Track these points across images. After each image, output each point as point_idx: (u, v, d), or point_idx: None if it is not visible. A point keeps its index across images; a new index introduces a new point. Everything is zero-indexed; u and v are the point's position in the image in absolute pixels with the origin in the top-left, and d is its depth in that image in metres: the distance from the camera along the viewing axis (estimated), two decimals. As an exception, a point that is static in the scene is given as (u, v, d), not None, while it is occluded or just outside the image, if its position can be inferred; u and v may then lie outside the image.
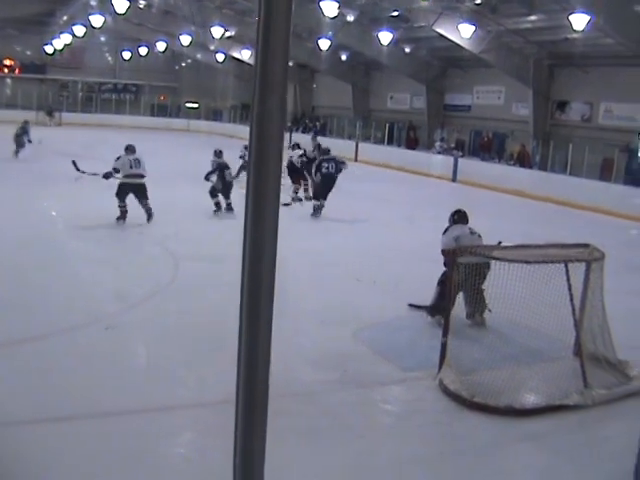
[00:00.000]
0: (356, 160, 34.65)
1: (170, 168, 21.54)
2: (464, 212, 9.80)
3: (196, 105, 56.03)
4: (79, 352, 7.75)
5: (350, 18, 30.59)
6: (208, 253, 12.74)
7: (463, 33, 25.58)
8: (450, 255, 8.12)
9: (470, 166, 28.04)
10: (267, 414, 2.08)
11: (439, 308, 8.80)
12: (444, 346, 7.54)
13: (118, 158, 15.16)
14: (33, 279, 10.66)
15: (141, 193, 15.12)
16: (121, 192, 15.06)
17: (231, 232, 14.94)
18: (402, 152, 33.71)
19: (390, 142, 37.05)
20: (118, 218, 15.13)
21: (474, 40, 26.73)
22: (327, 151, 18.38)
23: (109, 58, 53.67)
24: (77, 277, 11.05)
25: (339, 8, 25.99)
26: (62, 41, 45.37)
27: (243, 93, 52.72)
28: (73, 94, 54.41)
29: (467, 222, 9.69)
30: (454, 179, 27.80)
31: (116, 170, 14.99)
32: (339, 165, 17.63)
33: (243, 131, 39.85)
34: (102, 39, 47.74)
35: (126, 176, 15.02)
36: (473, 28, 25.28)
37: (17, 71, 51.78)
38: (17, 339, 7.92)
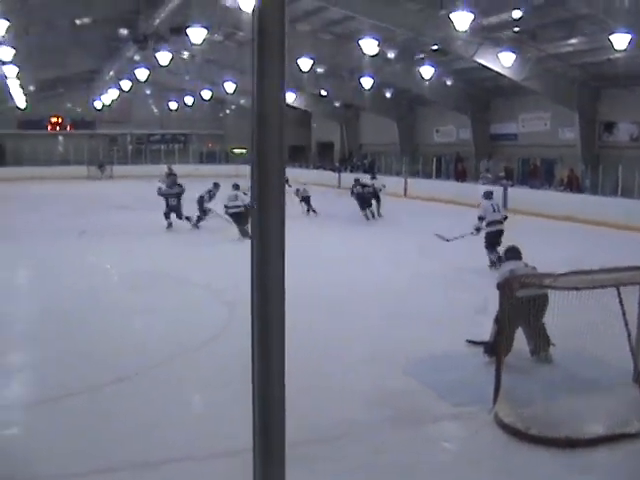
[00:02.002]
0: (405, 195, 34.58)
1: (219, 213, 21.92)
2: (517, 248, 9.64)
3: (243, 150, 56.55)
4: (129, 401, 7.76)
5: (391, 55, 30.75)
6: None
7: (504, 62, 25.45)
8: (504, 287, 7.88)
9: (519, 194, 27.69)
10: (285, 458, 2.04)
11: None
12: (498, 379, 7.37)
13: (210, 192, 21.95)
14: (88, 328, 10.77)
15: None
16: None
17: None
18: (450, 185, 33.54)
19: (438, 175, 36.96)
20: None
21: (516, 68, 26.59)
22: (363, 181, 25.44)
23: (156, 109, 54.55)
24: (129, 326, 11.14)
25: (379, 46, 26.13)
26: (110, 96, 46.35)
27: (289, 136, 52.71)
28: (123, 147, 55.52)
29: (520, 258, 9.49)
30: (505, 208, 27.46)
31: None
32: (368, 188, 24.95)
33: (289, 173, 40.17)
34: (148, 91, 48.67)
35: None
36: (514, 56, 25.14)
37: (68, 128, 53.16)
38: (70, 389, 8.00)
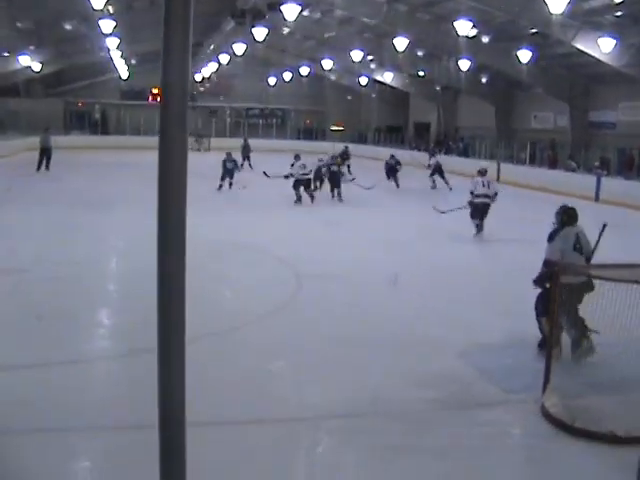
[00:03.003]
0: (498, 180, 34.09)
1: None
2: (573, 210, 8.86)
3: (341, 128, 56.61)
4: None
5: (485, 40, 30.38)
6: (331, 271, 12.86)
7: (603, 48, 24.72)
8: (555, 276, 7.66)
9: (614, 185, 26.96)
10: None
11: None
12: (548, 369, 7.27)
13: (292, 165, 22.84)
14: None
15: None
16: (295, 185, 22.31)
17: (354, 249, 15.14)
18: (543, 172, 32.86)
19: (533, 162, 36.32)
20: (295, 202, 22.18)
21: (616, 54, 25.69)
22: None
23: (255, 84, 55.07)
24: (201, 292, 11.33)
25: (475, 27, 25.82)
26: (209, 69, 47.06)
27: (387, 115, 53.05)
28: (222, 120, 56.28)
29: (576, 222, 8.81)
30: (597, 199, 26.76)
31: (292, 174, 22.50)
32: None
33: (387, 153, 40.25)
34: (248, 66, 49.19)
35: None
36: (614, 42, 24.40)
37: (169, 100, 54.23)
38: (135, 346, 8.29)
